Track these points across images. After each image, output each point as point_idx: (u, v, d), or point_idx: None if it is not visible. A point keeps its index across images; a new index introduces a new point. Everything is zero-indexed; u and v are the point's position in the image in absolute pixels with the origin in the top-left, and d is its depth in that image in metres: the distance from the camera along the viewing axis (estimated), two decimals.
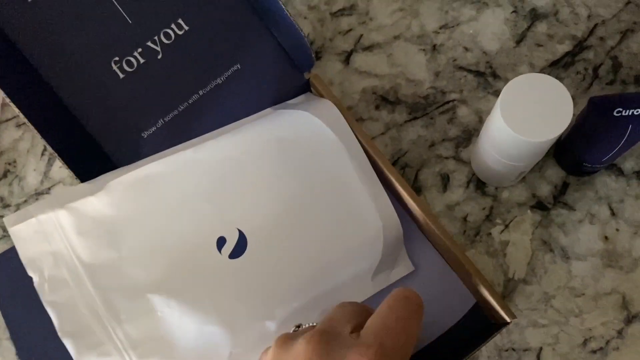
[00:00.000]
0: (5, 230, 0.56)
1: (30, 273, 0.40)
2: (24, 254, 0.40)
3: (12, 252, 0.54)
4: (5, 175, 0.57)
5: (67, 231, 0.41)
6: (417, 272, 0.49)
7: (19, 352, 0.52)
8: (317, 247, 0.45)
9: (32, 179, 0.56)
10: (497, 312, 0.44)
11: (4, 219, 0.41)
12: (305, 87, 0.51)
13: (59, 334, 0.40)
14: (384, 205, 0.46)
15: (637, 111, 0.39)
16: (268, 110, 0.49)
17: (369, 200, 0.46)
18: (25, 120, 0.43)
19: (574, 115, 0.48)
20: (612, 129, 0.41)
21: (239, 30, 0.50)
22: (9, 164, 0.57)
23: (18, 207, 0.56)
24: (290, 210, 0.45)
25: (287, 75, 0.50)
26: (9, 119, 0.59)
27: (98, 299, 0.40)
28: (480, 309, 0.48)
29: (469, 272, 0.44)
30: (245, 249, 0.43)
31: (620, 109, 0.39)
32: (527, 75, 0.40)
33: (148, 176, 0.43)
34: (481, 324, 0.48)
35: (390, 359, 0.30)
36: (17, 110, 0.42)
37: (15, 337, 0.53)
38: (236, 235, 0.43)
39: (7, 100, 0.42)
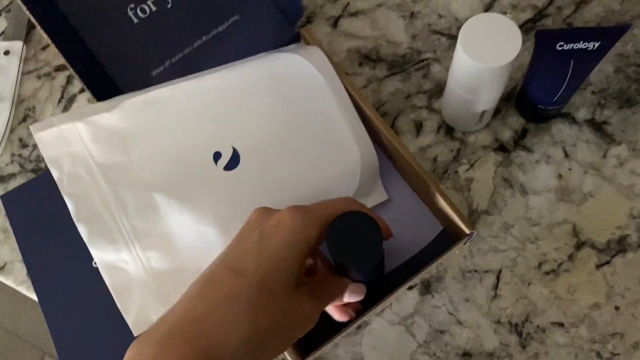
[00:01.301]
0: (21, 166, 0.62)
1: (52, 169, 0.46)
2: (46, 154, 0.46)
3: (27, 186, 0.60)
4: (24, 120, 0.63)
5: (84, 138, 0.47)
6: (391, 203, 0.55)
7: (30, 272, 0.58)
8: (301, 169, 0.51)
9: None
10: (459, 229, 0.50)
11: (31, 127, 0.47)
12: (296, 39, 0.58)
13: (75, 219, 0.45)
14: (362, 138, 0.53)
15: (577, 45, 0.46)
16: (262, 53, 0.55)
17: (349, 132, 0.52)
18: (59, 52, 0.50)
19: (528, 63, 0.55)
20: (556, 63, 0.48)
21: None
22: (29, 109, 0.64)
23: (35, 147, 0.62)
24: (279, 135, 0.51)
25: (280, 28, 0.57)
26: (31, 71, 0.65)
27: (109, 193, 0.46)
28: (447, 234, 0.54)
29: (436, 194, 0.50)
30: (238, 164, 0.49)
31: (562, 43, 0.46)
32: (483, 14, 0.47)
33: (156, 98, 0.49)
34: (447, 247, 0.53)
35: (309, 214, 0.38)
36: (51, 42, 0.49)
37: (27, 260, 0.58)
38: (230, 151, 0.49)
39: (43, 34, 0.49)
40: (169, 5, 0.55)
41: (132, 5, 0.54)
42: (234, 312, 0.33)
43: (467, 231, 0.49)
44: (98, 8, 0.54)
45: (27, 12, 0.49)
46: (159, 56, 0.55)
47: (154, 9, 0.55)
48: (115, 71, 0.54)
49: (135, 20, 0.54)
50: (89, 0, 0.53)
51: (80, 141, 0.47)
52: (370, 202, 0.54)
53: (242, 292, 0.34)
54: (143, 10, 0.55)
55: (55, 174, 0.46)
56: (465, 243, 0.52)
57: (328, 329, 0.50)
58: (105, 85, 0.54)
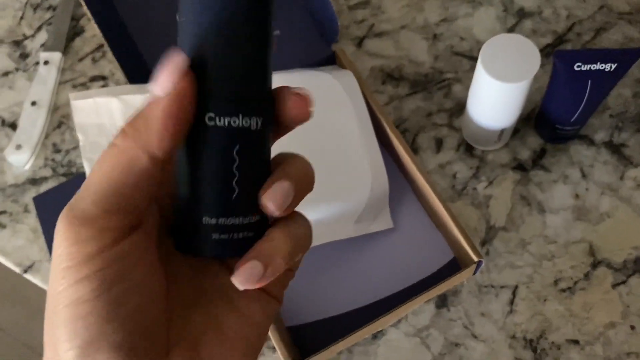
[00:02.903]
0: (54, 170, 0.64)
1: (79, 135, 0.50)
2: (77, 121, 0.50)
3: (58, 189, 0.63)
4: (59, 126, 0.66)
5: (114, 113, 0.51)
6: (403, 227, 0.57)
7: None
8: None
9: None
10: (468, 255, 0.50)
11: (70, 95, 0.51)
12: (331, 60, 0.60)
13: None
14: (377, 165, 0.54)
15: (594, 66, 0.47)
16: (297, 69, 0.58)
17: (365, 158, 0.54)
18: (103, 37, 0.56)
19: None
20: (574, 83, 0.49)
21: (282, 1, 0.60)
22: (64, 117, 0.67)
23: (67, 152, 0.65)
24: (295, 143, 0.53)
25: (317, 46, 0.60)
26: (67, 81, 0.68)
27: None
28: (457, 263, 0.55)
29: (447, 217, 0.51)
30: None
31: (580, 64, 0.48)
32: (503, 35, 0.49)
33: None
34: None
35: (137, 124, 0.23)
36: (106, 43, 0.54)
37: None
38: None
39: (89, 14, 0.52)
40: None
41: None
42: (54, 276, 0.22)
43: (475, 258, 0.49)
44: (151, 16, 0.58)
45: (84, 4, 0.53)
46: None
47: None
48: (153, 62, 0.58)
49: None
50: (144, 10, 0.58)
51: (110, 115, 0.51)
52: (373, 227, 0.55)
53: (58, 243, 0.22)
54: None
55: (80, 138, 0.50)
56: (474, 273, 0.53)
57: (331, 336, 0.51)
58: (140, 72, 0.57)
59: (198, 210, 0.23)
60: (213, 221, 0.23)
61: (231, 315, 0.24)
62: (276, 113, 0.24)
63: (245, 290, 0.24)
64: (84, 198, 0.22)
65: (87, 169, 0.50)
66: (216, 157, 0.23)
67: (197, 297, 0.25)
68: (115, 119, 0.51)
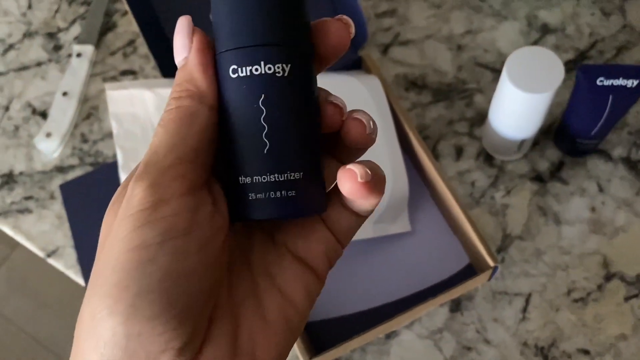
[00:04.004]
0: (81, 159, 0.66)
1: (113, 123, 0.52)
2: (112, 110, 0.53)
3: (85, 177, 0.64)
4: (88, 117, 0.68)
5: (147, 104, 0.53)
6: (420, 231, 0.58)
7: (80, 259, 0.61)
8: None
9: (108, 123, 0.67)
10: (484, 260, 0.52)
11: (105, 85, 0.53)
12: (357, 64, 0.61)
13: (120, 170, 0.51)
14: (398, 168, 0.56)
15: (617, 82, 0.49)
16: (322, 72, 0.59)
17: (387, 160, 0.55)
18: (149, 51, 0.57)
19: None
20: (595, 97, 0.50)
21: (311, 6, 0.62)
22: (93, 108, 0.68)
23: (95, 142, 0.67)
24: None
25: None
26: (98, 74, 0.70)
27: None
28: (473, 268, 0.56)
29: (465, 221, 0.52)
30: None
31: (603, 78, 0.49)
32: (528, 47, 0.50)
33: None
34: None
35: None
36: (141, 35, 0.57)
37: (79, 246, 0.62)
38: None
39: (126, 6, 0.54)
40: None
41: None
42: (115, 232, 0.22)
43: (492, 263, 0.51)
44: (182, 1, 0.60)
45: None
46: None
47: None
48: None
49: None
50: (176, 7, 0.60)
51: (143, 105, 0.53)
52: (391, 229, 0.57)
53: (125, 210, 0.22)
54: None
55: (114, 126, 0.52)
56: (489, 279, 0.54)
57: (345, 333, 0.52)
58: (173, 67, 0.60)
59: (234, 170, 0.22)
60: (248, 180, 0.22)
61: (273, 294, 0.24)
62: (315, 43, 0.24)
63: (289, 268, 0.24)
64: (156, 153, 0.22)
65: (120, 157, 0.52)
66: (241, 109, 0.22)
67: (244, 272, 0.24)
68: (149, 111, 0.53)
